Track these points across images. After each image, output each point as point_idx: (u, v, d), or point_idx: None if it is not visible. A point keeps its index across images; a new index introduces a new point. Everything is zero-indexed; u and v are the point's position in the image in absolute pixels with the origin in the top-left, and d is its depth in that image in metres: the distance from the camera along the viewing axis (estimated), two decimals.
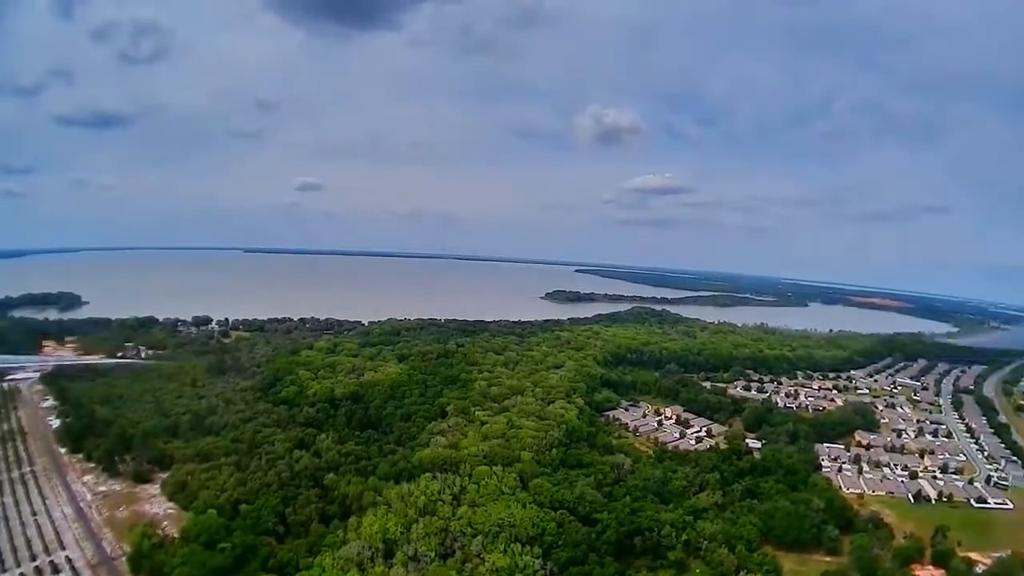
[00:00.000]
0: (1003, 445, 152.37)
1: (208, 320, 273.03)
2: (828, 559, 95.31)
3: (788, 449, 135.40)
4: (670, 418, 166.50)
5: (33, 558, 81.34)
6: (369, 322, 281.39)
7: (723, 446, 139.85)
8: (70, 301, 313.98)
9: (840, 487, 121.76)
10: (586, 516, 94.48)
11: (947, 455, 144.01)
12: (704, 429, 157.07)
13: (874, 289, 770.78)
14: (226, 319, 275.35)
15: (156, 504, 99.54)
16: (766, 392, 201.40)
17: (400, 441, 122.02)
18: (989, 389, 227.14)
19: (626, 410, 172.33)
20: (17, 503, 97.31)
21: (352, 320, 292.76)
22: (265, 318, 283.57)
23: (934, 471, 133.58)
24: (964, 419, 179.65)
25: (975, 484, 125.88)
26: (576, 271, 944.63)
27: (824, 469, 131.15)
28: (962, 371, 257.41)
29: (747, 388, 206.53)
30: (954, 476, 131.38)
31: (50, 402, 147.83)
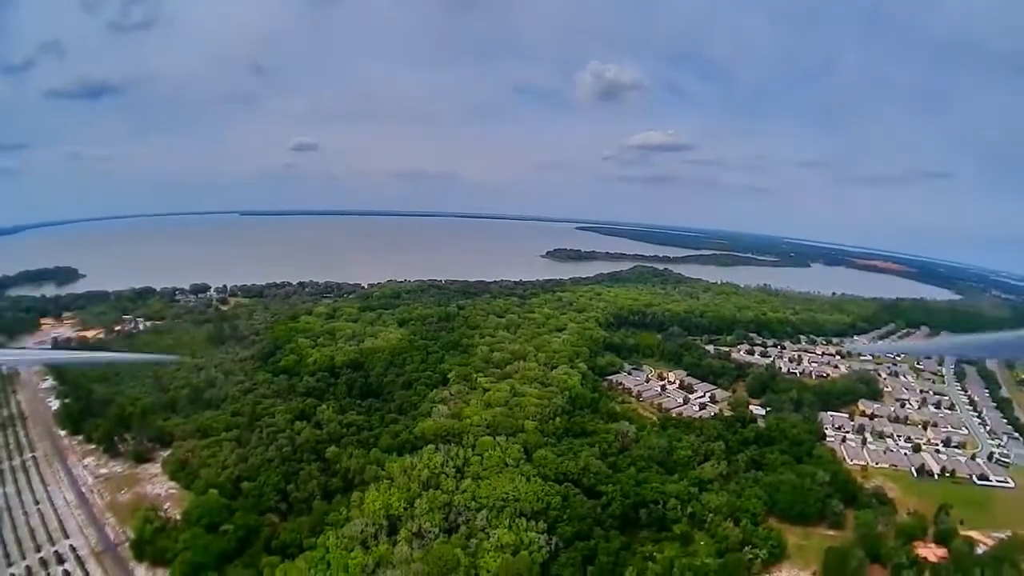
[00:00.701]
0: (1005, 420, 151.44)
1: (206, 287, 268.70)
2: (832, 533, 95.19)
3: (792, 418, 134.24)
4: (673, 382, 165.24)
5: (38, 549, 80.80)
6: (368, 284, 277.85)
7: (727, 413, 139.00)
8: (67, 275, 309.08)
9: (844, 458, 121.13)
10: (591, 488, 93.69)
11: (950, 428, 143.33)
12: (708, 395, 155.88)
13: (876, 252, 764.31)
14: (224, 286, 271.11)
15: (157, 484, 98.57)
16: (769, 357, 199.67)
17: (402, 410, 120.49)
18: (991, 361, 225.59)
19: (629, 374, 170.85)
20: (19, 492, 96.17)
21: (351, 283, 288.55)
22: (263, 283, 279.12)
23: (937, 444, 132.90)
24: (967, 391, 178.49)
25: (977, 460, 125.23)
26: (577, 228, 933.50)
27: (828, 439, 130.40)
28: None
29: (750, 352, 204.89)
30: (956, 450, 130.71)
31: (49, 383, 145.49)
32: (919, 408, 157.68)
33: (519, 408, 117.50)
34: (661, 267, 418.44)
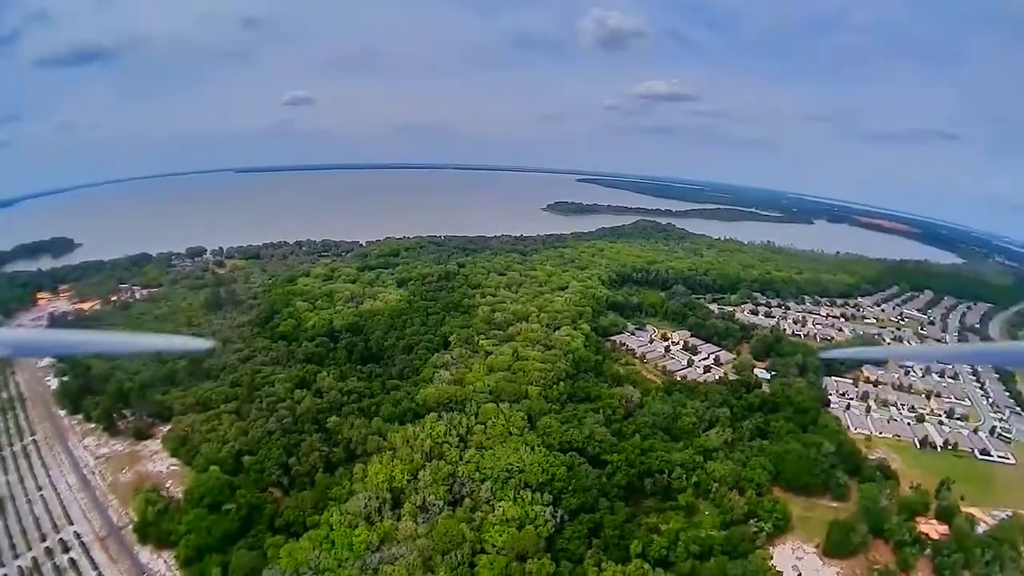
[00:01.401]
0: (1007, 393, 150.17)
1: (202, 250, 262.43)
2: (835, 504, 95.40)
3: (798, 384, 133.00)
4: (677, 343, 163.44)
5: (43, 538, 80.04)
6: (367, 242, 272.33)
7: (732, 377, 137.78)
8: (63, 246, 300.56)
9: (848, 426, 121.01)
10: (596, 457, 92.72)
11: (953, 399, 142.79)
12: (712, 357, 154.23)
13: (879, 210, 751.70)
14: (220, 248, 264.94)
15: (159, 462, 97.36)
16: (774, 317, 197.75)
17: (403, 375, 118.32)
18: (994, 330, 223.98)
19: (633, 334, 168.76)
20: (22, 479, 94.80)
21: (349, 241, 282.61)
22: (260, 243, 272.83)
23: (940, 415, 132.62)
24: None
25: (980, 434, 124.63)
26: (578, 180, 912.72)
27: (832, 405, 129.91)
28: (968, 307, 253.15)
29: (754, 312, 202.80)
30: (959, 422, 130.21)
31: (47, 361, 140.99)
32: (923, 376, 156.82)
33: (522, 373, 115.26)
34: (664, 221, 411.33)
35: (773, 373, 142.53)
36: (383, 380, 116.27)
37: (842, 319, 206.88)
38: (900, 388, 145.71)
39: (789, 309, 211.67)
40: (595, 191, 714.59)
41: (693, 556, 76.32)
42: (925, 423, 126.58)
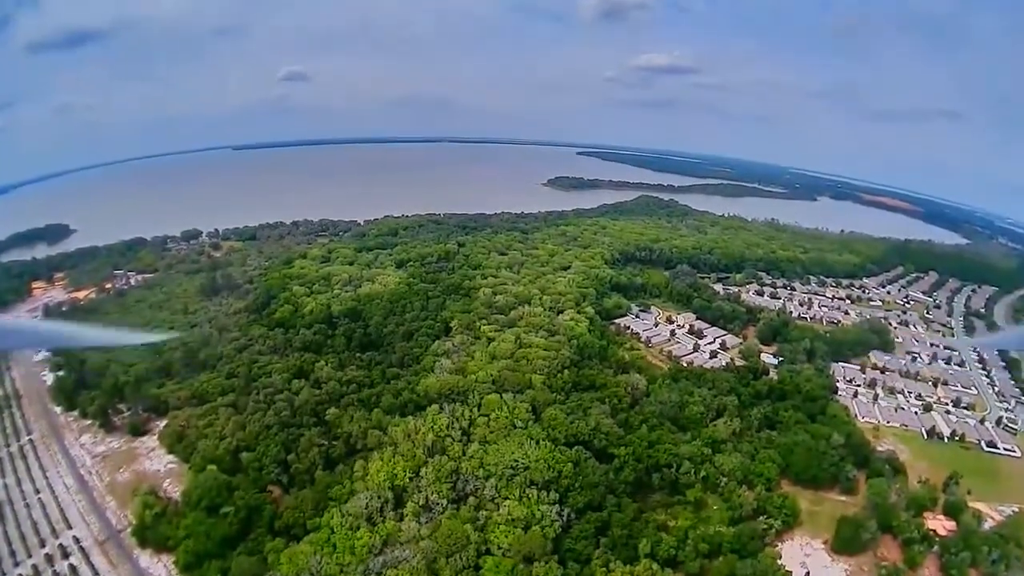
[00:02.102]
0: (1013, 382, 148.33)
1: (198, 233, 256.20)
2: (843, 498, 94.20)
3: (806, 371, 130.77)
4: (682, 326, 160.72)
5: (42, 544, 78.61)
6: (364, 221, 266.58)
7: (739, 362, 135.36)
8: (58, 233, 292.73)
9: (856, 415, 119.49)
10: (602, 451, 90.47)
11: (959, 387, 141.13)
12: (718, 341, 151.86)
13: (882, 187, 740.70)
14: (216, 230, 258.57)
15: (156, 459, 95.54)
16: (779, 299, 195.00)
17: (403, 363, 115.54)
18: (1000, 315, 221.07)
19: (637, 316, 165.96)
20: (19, 482, 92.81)
21: (347, 220, 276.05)
22: (256, 224, 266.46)
23: (947, 404, 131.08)
24: (976, 348, 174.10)
25: (986, 424, 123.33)
26: (578, 153, 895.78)
27: (840, 393, 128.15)
28: (972, 290, 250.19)
29: (760, 293, 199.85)
30: (966, 412, 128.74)
31: (43, 355, 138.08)
32: (929, 363, 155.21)
33: (525, 361, 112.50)
34: (666, 197, 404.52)
35: (780, 359, 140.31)
36: (383, 369, 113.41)
37: (848, 301, 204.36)
38: (907, 375, 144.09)
39: (795, 290, 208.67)
40: (595, 164, 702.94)
41: (702, 555, 74.78)
42: (932, 413, 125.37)
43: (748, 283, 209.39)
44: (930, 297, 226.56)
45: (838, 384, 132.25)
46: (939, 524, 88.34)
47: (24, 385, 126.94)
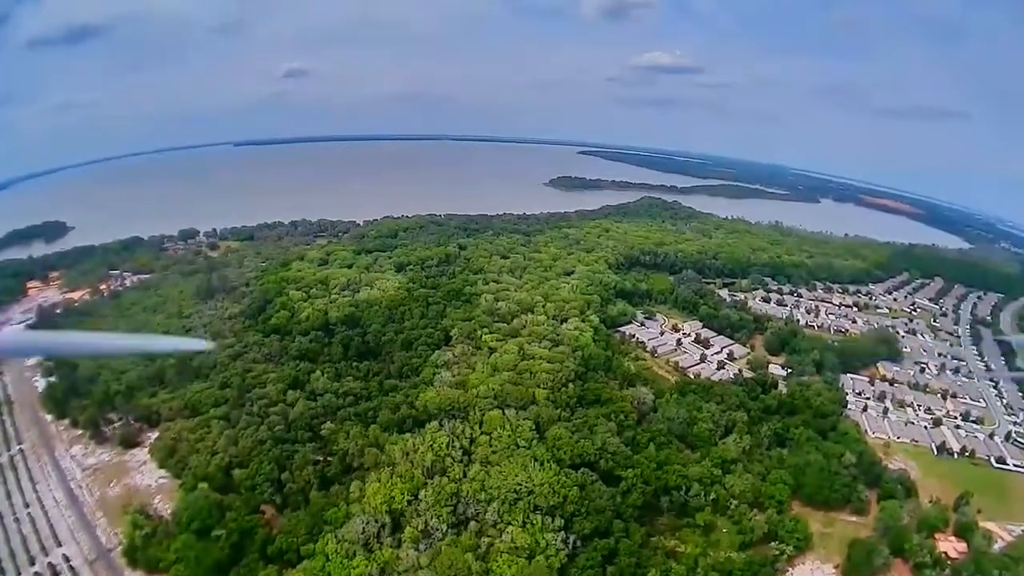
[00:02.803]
0: (1021, 394, 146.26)
1: (195, 232, 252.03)
2: (855, 519, 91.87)
3: (816, 384, 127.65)
4: (688, 335, 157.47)
5: (32, 561, 76.11)
6: (364, 221, 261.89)
7: (747, 374, 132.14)
8: (55, 231, 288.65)
9: (866, 430, 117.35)
10: (609, 472, 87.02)
11: (968, 400, 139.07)
12: (725, 351, 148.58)
13: (884, 189, 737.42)
14: (214, 229, 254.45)
15: (147, 474, 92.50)
16: (786, 306, 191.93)
17: (402, 374, 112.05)
18: (1006, 323, 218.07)
19: (642, 324, 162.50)
20: (9, 495, 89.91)
21: (346, 220, 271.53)
22: (254, 224, 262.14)
23: (956, 418, 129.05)
24: (984, 357, 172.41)
25: (995, 439, 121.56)
26: (580, 152, 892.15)
27: (850, 407, 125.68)
28: (979, 297, 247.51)
29: (766, 299, 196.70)
30: (975, 426, 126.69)
31: (34, 360, 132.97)
32: (938, 375, 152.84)
33: (529, 374, 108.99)
34: (670, 199, 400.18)
35: (789, 371, 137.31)
36: (380, 380, 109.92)
37: (855, 308, 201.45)
38: (916, 387, 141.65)
39: (801, 297, 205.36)
40: (597, 164, 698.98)
41: None
42: (942, 427, 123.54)
43: (754, 289, 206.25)
44: (936, 304, 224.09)
45: (848, 397, 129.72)
46: (950, 546, 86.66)
47: (16, 391, 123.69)
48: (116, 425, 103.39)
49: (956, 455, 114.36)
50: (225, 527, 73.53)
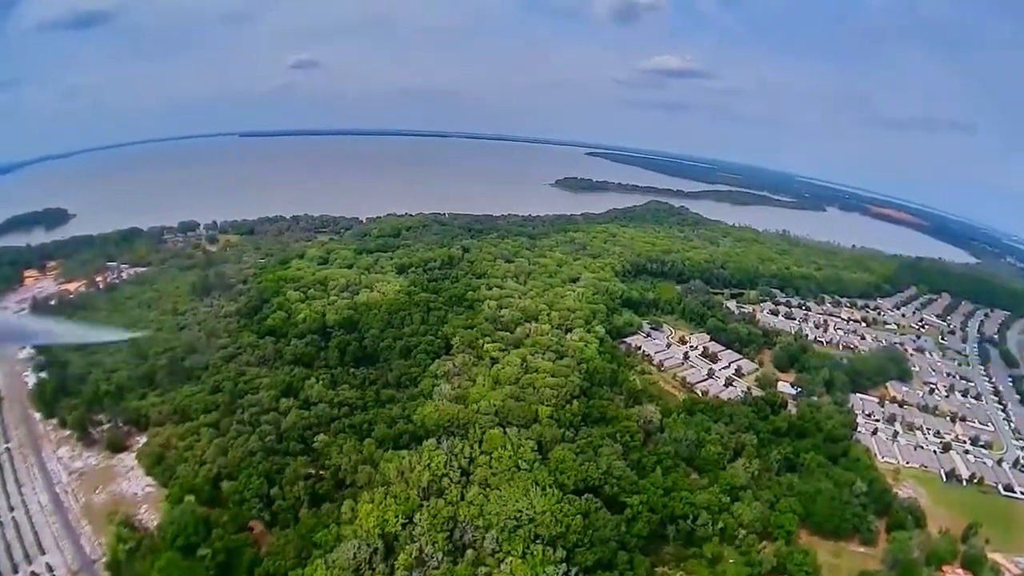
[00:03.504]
0: None
1: (195, 225, 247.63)
2: (863, 550, 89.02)
3: (826, 406, 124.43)
4: (695, 348, 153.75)
5: (15, 569, 73.49)
6: (367, 219, 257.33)
7: (756, 392, 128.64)
8: (57, 218, 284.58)
9: (876, 454, 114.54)
10: (613, 498, 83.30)
11: (977, 423, 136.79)
12: (733, 366, 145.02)
13: (888, 199, 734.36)
14: (214, 222, 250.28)
15: (134, 481, 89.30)
16: (794, 319, 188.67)
17: (400, 383, 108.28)
18: (1013, 342, 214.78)
19: (648, 335, 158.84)
20: None
21: (349, 216, 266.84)
22: (255, 218, 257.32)
23: (965, 442, 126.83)
24: (991, 378, 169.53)
25: (1003, 466, 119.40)
26: (586, 154, 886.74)
27: (859, 429, 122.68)
28: (985, 314, 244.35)
29: (774, 312, 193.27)
30: (983, 451, 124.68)
31: (27, 352, 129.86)
32: (947, 396, 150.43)
33: (532, 388, 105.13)
34: (677, 204, 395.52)
35: (799, 389, 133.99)
36: (377, 389, 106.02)
37: (863, 323, 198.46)
38: (925, 409, 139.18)
39: (810, 310, 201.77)
40: (604, 165, 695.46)
41: None
42: (951, 452, 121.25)
43: (762, 300, 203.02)
44: (944, 321, 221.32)
45: (857, 417, 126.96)
46: None
47: (6, 384, 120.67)
48: (104, 427, 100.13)
49: (965, 482, 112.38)
50: (211, 545, 70.12)
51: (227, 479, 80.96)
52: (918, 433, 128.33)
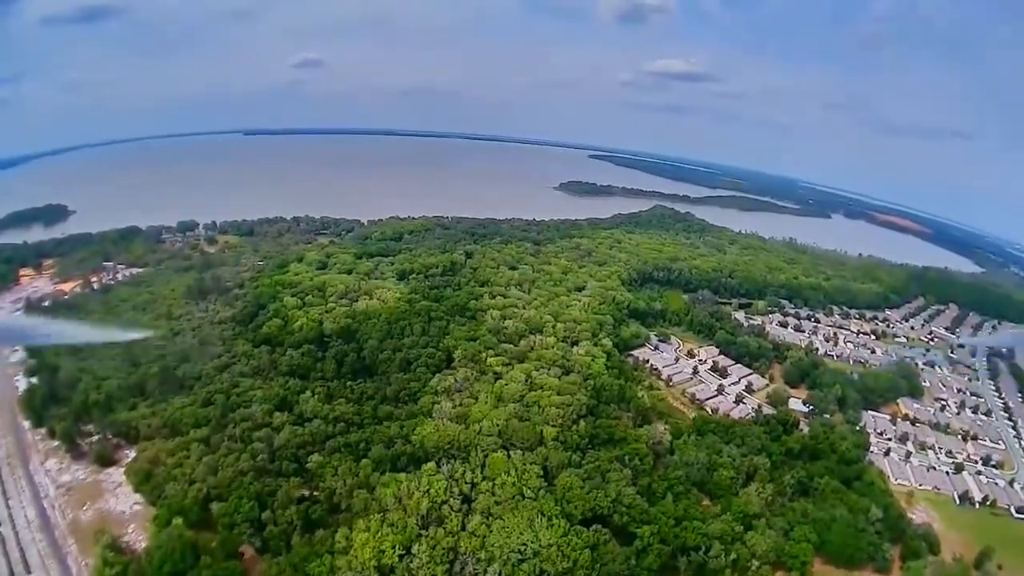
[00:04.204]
0: None
1: (194, 225, 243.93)
2: None
3: (839, 426, 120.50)
4: (704, 361, 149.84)
5: None
6: (368, 221, 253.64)
7: (767, 410, 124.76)
8: (56, 214, 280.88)
9: (889, 476, 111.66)
10: (623, 528, 79.37)
11: (988, 442, 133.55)
12: (743, 381, 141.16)
13: (892, 206, 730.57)
14: (213, 222, 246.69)
15: (122, 497, 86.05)
16: (804, 331, 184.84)
17: (399, 399, 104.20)
18: (1022, 354, 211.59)
19: (656, 348, 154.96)
20: None
21: (350, 219, 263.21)
22: (255, 218, 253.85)
23: (977, 461, 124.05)
24: (1001, 394, 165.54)
25: (1015, 486, 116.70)
26: (590, 156, 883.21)
27: (872, 449, 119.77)
28: (993, 327, 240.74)
29: (784, 324, 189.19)
30: (995, 471, 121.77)
31: (20, 354, 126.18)
32: (958, 413, 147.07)
33: (537, 407, 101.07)
34: (682, 209, 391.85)
35: (811, 407, 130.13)
36: (375, 405, 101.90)
37: (872, 336, 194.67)
38: (937, 427, 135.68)
39: (819, 322, 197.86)
40: (608, 169, 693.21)
41: None
42: (964, 474, 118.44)
43: (771, 311, 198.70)
44: (953, 333, 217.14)
45: (870, 438, 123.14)
46: None
47: None
48: (93, 439, 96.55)
49: (978, 504, 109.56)
50: (200, 573, 66.66)
51: (217, 500, 77.18)
52: (930, 453, 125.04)
